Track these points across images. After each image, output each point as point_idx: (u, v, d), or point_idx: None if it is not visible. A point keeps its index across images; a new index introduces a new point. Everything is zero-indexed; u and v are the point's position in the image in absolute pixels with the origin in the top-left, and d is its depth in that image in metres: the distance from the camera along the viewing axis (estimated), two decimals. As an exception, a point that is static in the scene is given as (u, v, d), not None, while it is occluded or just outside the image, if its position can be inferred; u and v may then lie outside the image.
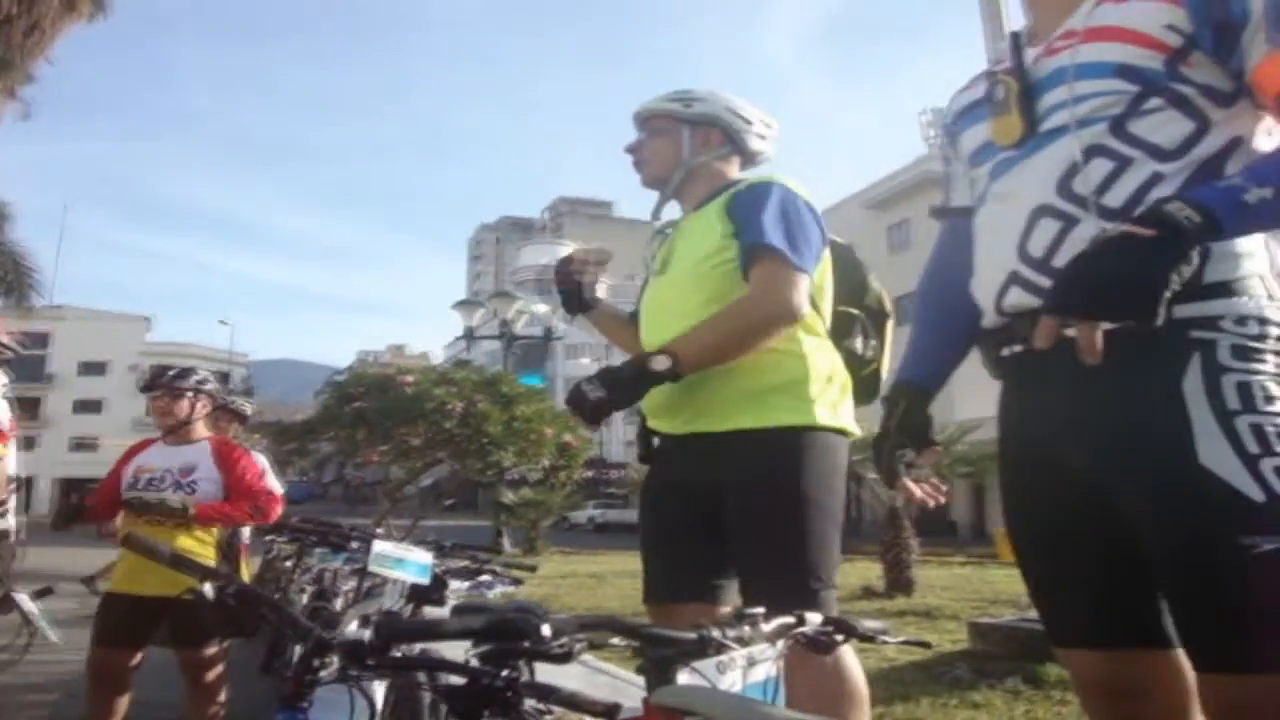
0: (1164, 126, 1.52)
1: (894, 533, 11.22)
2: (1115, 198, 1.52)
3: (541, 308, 19.84)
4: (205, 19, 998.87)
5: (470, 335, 16.83)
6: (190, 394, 4.08)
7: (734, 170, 2.56)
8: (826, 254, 2.42)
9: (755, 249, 2.26)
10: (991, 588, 11.18)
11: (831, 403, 2.32)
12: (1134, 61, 1.52)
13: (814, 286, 2.34)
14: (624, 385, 2.21)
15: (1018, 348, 1.65)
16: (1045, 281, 1.55)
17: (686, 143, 2.52)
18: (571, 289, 2.69)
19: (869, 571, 11.95)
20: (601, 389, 2.18)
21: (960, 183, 1.94)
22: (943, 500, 2.09)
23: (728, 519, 2.26)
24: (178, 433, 4.06)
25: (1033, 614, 6.16)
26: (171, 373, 4.15)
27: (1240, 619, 1.36)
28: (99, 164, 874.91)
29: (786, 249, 2.23)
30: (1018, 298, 1.61)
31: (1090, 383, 1.50)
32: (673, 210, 2.61)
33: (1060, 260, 1.53)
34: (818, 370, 2.31)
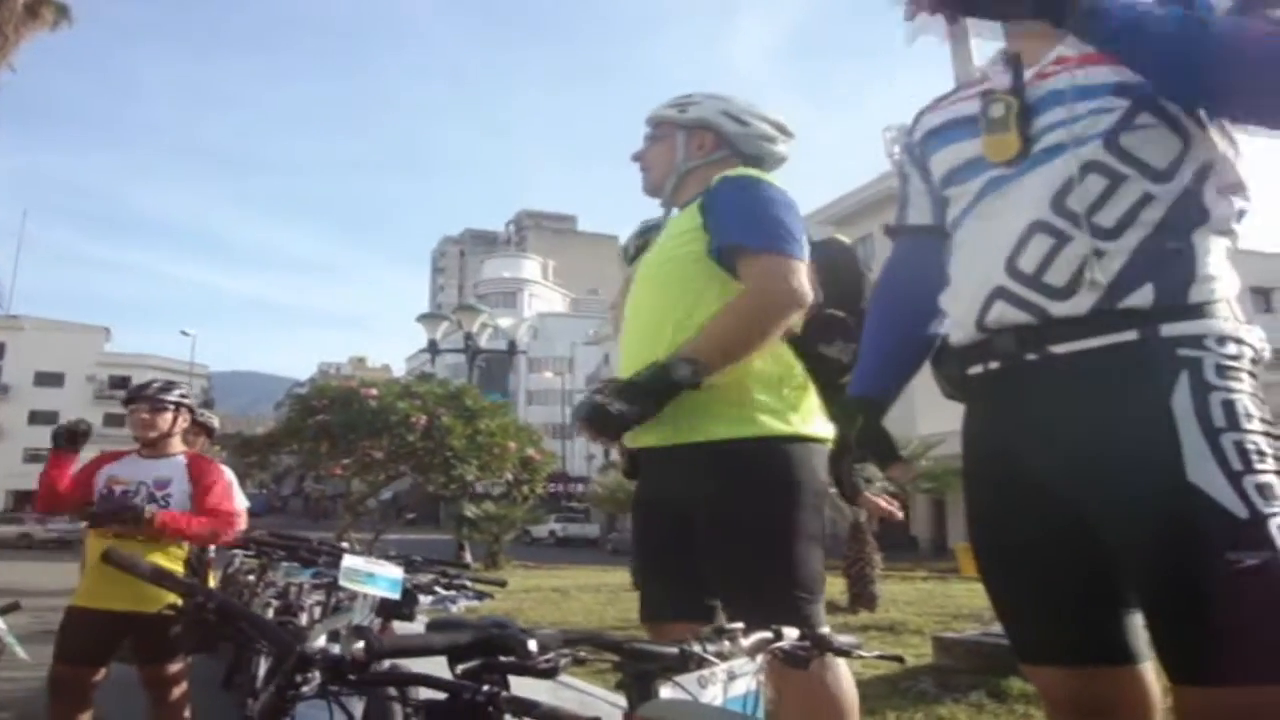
0: (1154, 143, 1.56)
1: (857, 547, 11.25)
2: (1108, 217, 1.54)
3: (506, 321, 19.79)
4: (171, 30, 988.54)
5: (434, 349, 16.72)
6: (173, 407, 4.05)
7: (723, 169, 2.46)
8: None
9: (740, 247, 2.24)
10: (954, 602, 11.25)
11: (778, 409, 2.24)
12: (1129, 79, 1.56)
13: None
14: (647, 396, 2.15)
15: (994, 364, 1.67)
16: (1037, 297, 1.57)
17: (680, 147, 2.50)
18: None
19: (832, 586, 11.89)
20: (623, 403, 2.13)
21: (919, 201, 1.95)
22: (899, 515, 2.11)
23: (699, 536, 2.23)
24: (155, 445, 4.02)
25: (996, 629, 6.22)
26: (156, 385, 4.14)
27: (1222, 633, 1.38)
28: (60, 174, 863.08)
29: (777, 239, 2.21)
30: (1002, 312, 1.62)
31: (1077, 399, 1.53)
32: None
33: (1052, 276, 1.56)
34: (761, 373, 2.25)
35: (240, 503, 5.74)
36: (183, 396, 4.14)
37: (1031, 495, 1.62)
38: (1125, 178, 1.55)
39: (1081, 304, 1.54)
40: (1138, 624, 1.58)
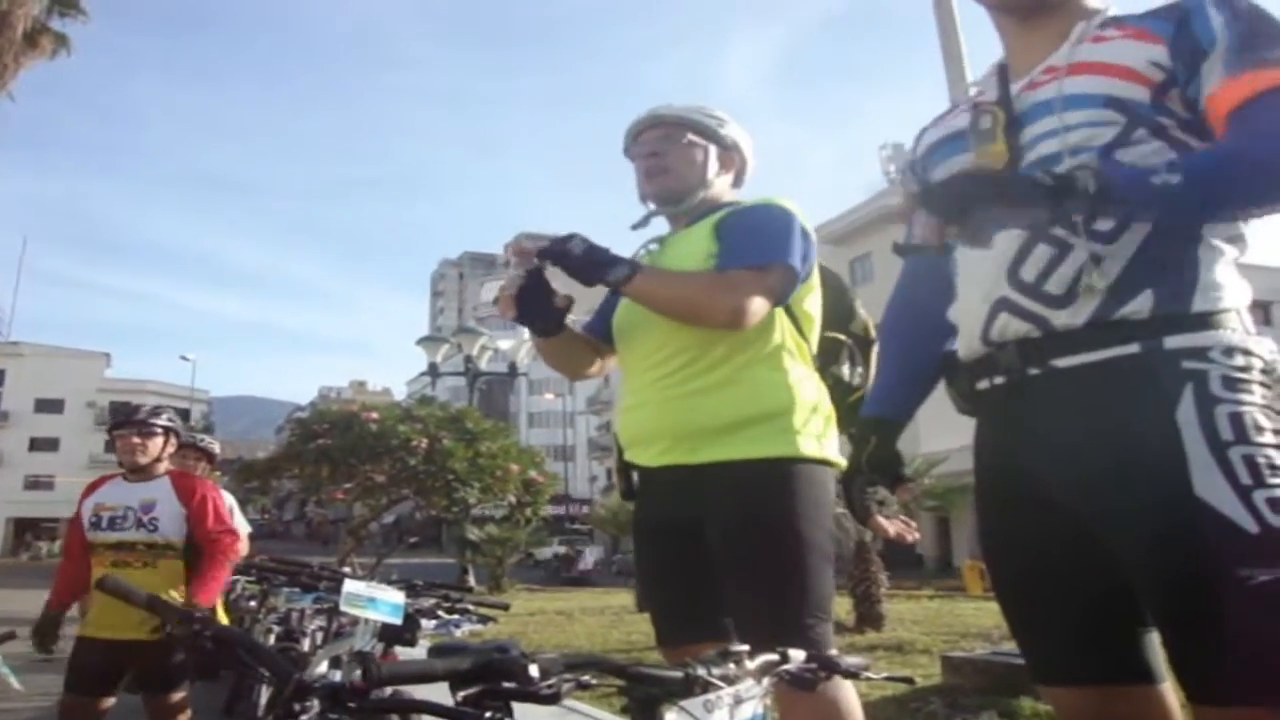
0: (1151, 158, 1.53)
1: (863, 566, 11.20)
2: (1105, 222, 1.52)
3: (506, 343, 19.77)
4: (169, 57, 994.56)
5: (435, 371, 16.71)
6: (162, 431, 4.03)
7: (729, 193, 2.48)
8: (815, 280, 2.38)
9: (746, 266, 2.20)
10: (962, 621, 11.20)
11: (816, 434, 2.24)
12: (1121, 94, 1.55)
13: (801, 312, 2.31)
14: (590, 261, 2.15)
15: (999, 379, 1.66)
16: (1038, 307, 1.57)
17: (714, 163, 2.43)
18: (538, 311, 2.30)
19: (838, 606, 11.81)
20: (579, 249, 2.14)
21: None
22: (917, 536, 2.09)
23: (713, 555, 2.20)
24: (142, 471, 3.99)
25: (1005, 648, 6.19)
26: (144, 410, 4.10)
27: (1236, 650, 1.36)
28: (60, 200, 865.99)
29: (769, 260, 2.19)
30: (1006, 324, 1.61)
31: (1081, 414, 1.52)
32: (659, 225, 2.52)
33: (1054, 286, 1.55)
34: (803, 400, 2.24)
35: (243, 528, 5.72)
36: (170, 421, 4.11)
37: (1042, 511, 1.60)
38: None
39: (1080, 312, 1.53)
40: (1156, 642, 1.55)
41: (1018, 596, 1.72)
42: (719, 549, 2.19)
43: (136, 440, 3.95)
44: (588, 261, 2.15)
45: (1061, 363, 1.55)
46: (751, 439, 2.19)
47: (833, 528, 2.25)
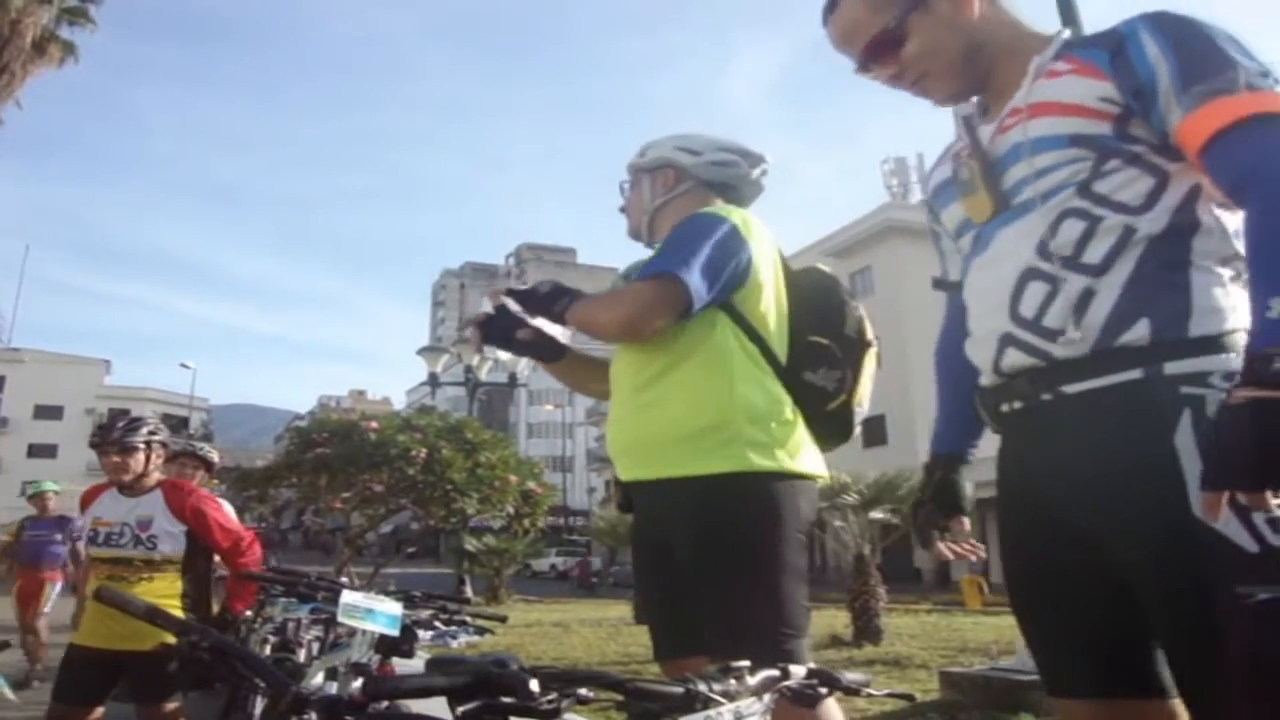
0: (1128, 185, 1.57)
1: (861, 580, 11.18)
2: (1094, 254, 1.56)
3: (506, 354, 19.77)
4: (176, 66, 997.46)
5: (435, 381, 16.70)
6: (143, 446, 3.90)
7: (707, 205, 2.45)
8: (759, 280, 2.31)
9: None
10: (960, 635, 11.17)
11: (769, 444, 2.19)
12: (1084, 130, 1.58)
13: (752, 314, 2.29)
14: (542, 297, 2.34)
15: (1017, 404, 1.69)
16: (1039, 341, 1.61)
17: (647, 190, 2.57)
18: (533, 340, 2.45)
19: (836, 620, 11.90)
20: (547, 287, 2.35)
21: (952, 257, 2.00)
22: (983, 554, 2.11)
23: (683, 570, 2.20)
24: (131, 485, 3.91)
25: (1004, 663, 6.18)
26: (120, 426, 3.93)
27: (1235, 667, 1.36)
28: (62, 207, 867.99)
29: (659, 269, 2.20)
30: (1014, 358, 1.65)
31: (1087, 436, 1.54)
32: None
33: (1051, 320, 1.59)
34: (749, 408, 2.20)
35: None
36: (152, 434, 3.95)
37: (1056, 529, 1.63)
38: (1102, 218, 1.57)
39: (1082, 345, 1.56)
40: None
41: (1031, 610, 1.76)
42: (688, 562, 2.20)
43: (117, 459, 3.84)
44: (542, 297, 2.33)
45: (1070, 388, 1.58)
46: (699, 453, 2.18)
47: (795, 539, 2.20)
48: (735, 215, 2.33)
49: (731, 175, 2.53)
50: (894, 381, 26.95)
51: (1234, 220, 1.58)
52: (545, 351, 2.52)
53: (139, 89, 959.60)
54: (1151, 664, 1.57)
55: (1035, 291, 1.61)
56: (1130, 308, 1.52)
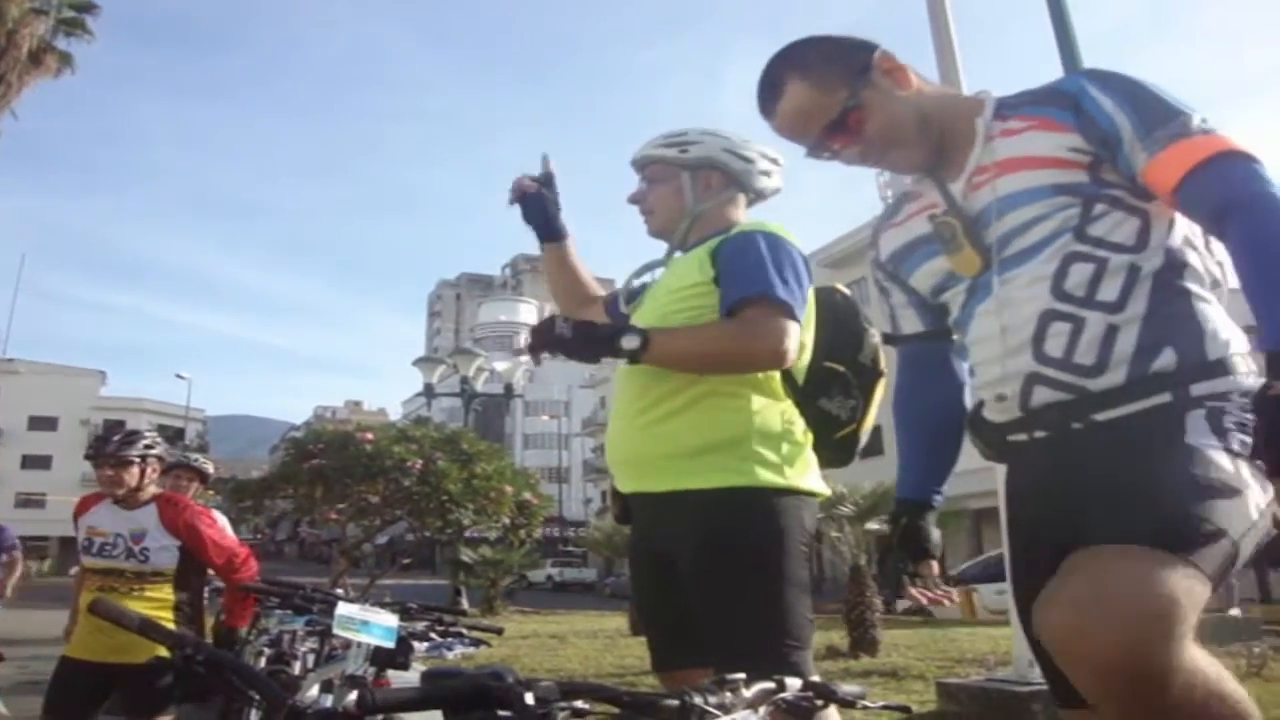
0: (1119, 226, 1.67)
1: (857, 592, 11.18)
2: (1108, 293, 1.65)
3: (502, 365, 19.76)
4: (169, 76, 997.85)
5: (431, 392, 16.69)
6: (138, 460, 3.84)
7: (740, 211, 2.46)
8: (811, 309, 2.33)
9: (749, 299, 2.17)
10: (956, 646, 11.14)
11: (778, 463, 2.20)
12: (1063, 180, 1.68)
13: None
14: (588, 339, 2.15)
15: (1039, 434, 1.74)
16: (1071, 378, 1.66)
17: (689, 189, 2.42)
18: (538, 210, 2.74)
19: (833, 631, 11.89)
20: (570, 331, 2.13)
21: (905, 313, 2.07)
22: (956, 601, 2.12)
23: (686, 583, 2.19)
24: (127, 498, 3.86)
25: (1000, 674, 6.16)
26: (116, 439, 3.88)
27: None
28: (57, 218, 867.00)
29: (783, 296, 2.15)
30: (1044, 395, 1.70)
31: (1119, 458, 1.59)
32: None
33: (1081, 357, 1.65)
34: (763, 428, 2.21)
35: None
36: (148, 448, 3.88)
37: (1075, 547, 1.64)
38: (1107, 260, 1.66)
39: (1117, 376, 1.62)
40: None
41: None
42: (692, 575, 2.19)
43: (112, 472, 3.79)
44: (584, 339, 2.16)
45: (1102, 416, 1.64)
46: (708, 467, 2.18)
47: (799, 553, 2.20)
48: (791, 236, 2.31)
49: (767, 185, 2.49)
50: (889, 393, 26.92)
51: (1200, 254, 1.70)
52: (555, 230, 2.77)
53: (136, 100, 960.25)
54: None
55: (1059, 331, 1.67)
56: (1153, 339, 1.61)
